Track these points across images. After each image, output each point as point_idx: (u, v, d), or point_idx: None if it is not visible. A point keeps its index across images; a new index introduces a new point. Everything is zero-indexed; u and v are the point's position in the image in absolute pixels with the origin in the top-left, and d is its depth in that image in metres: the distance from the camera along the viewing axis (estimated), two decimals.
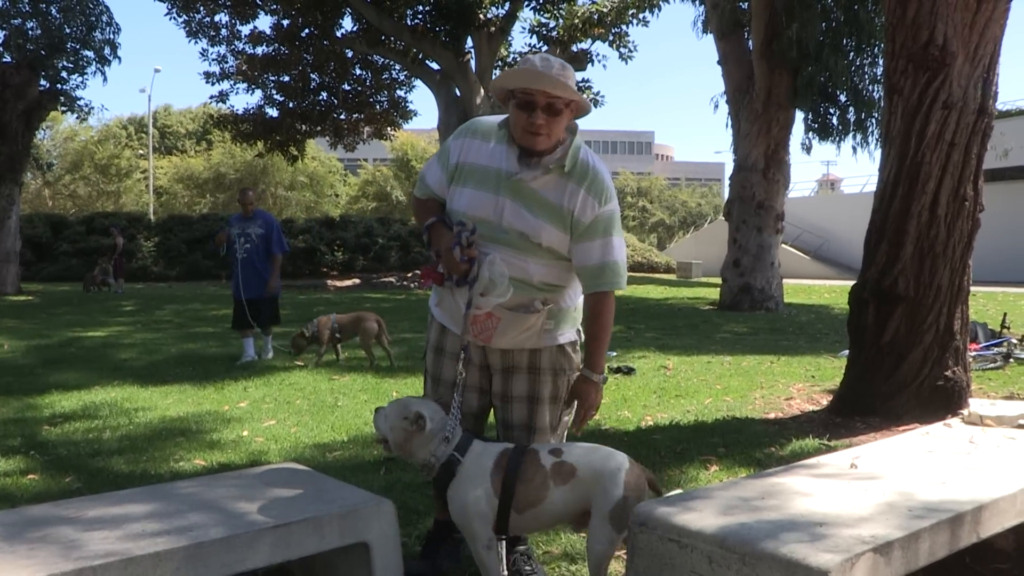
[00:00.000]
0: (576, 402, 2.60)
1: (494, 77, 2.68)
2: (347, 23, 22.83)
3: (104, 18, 19.87)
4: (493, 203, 2.47)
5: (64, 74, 19.76)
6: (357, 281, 25.29)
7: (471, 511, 2.40)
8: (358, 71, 24.52)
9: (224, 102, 24.65)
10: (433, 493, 2.76)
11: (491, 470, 2.42)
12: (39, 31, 18.98)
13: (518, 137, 2.46)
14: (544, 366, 2.60)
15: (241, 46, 23.31)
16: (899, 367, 4.97)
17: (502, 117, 2.57)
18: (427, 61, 21.61)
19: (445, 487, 2.48)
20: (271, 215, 8.57)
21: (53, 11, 19.20)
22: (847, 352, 5.50)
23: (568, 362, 2.65)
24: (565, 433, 2.74)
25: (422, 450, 2.48)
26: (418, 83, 24.81)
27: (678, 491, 2.70)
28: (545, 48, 21.79)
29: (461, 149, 2.56)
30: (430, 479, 2.56)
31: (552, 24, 21.71)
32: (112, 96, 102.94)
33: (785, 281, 16.28)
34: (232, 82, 23.77)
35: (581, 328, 2.71)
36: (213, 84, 23.58)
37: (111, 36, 20.02)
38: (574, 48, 21.52)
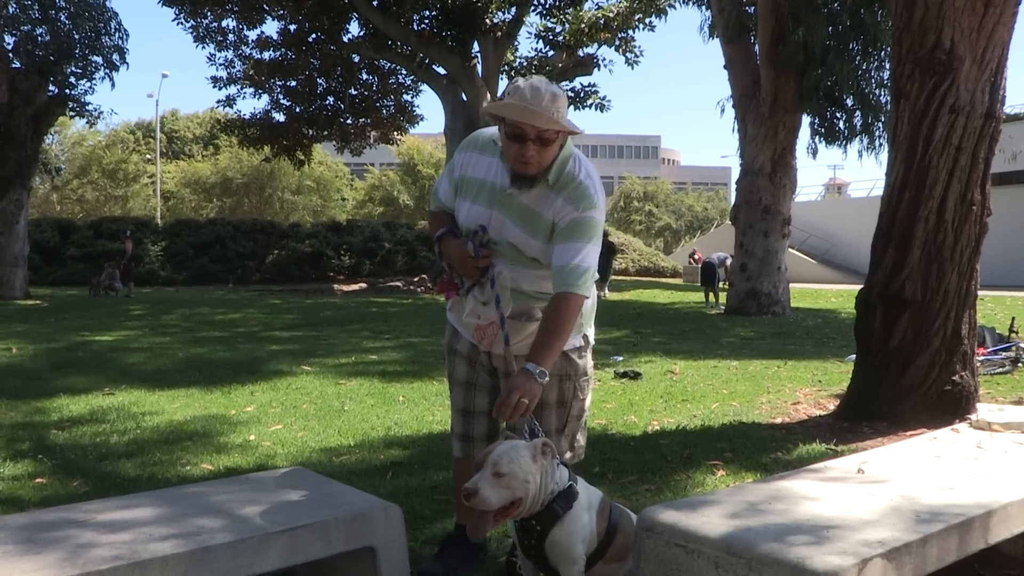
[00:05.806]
0: (516, 393, 2.29)
1: (486, 104, 2.69)
2: (354, 28, 22.93)
3: (112, 24, 19.97)
4: (487, 216, 2.59)
5: (73, 80, 19.86)
6: (364, 285, 25.33)
7: (581, 535, 2.25)
8: (365, 76, 24.61)
9: (231, 107, 24.76)
10: (515, 528, 2.32)
11: (597, 509, 2.34)
12: (48, 37, 19.09)
13: (509, 162, 2.51)
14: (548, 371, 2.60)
15: (248, 51, 23.42)
16: (906, 372, 4.95)
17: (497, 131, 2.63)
18: (433, 66, 21.65)
19: (556, 519, 2.23)
20: None
21: (62, 17, 19.31)
22: (854, 357, 5.48)
23: (573, 368, 2.67)
24: (574, 435, 2.73)
25: (551, 483, 2.23)
26: (424, 88, 24.92)
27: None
28: (551, 53, 21.81)
29: (464, 162, 2.69)
30: (532, 515, 2.22)
31: (559, 29, 21.75)
32: (120, 101, 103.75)
33: (792, 285, 16.23)
34: (239, 87, 23.87)
35: (588, 334, 2.73)
36: (220, 89, 23.70)
37: (119, 42, 20.11)
38: (580, 53, 21.54)
